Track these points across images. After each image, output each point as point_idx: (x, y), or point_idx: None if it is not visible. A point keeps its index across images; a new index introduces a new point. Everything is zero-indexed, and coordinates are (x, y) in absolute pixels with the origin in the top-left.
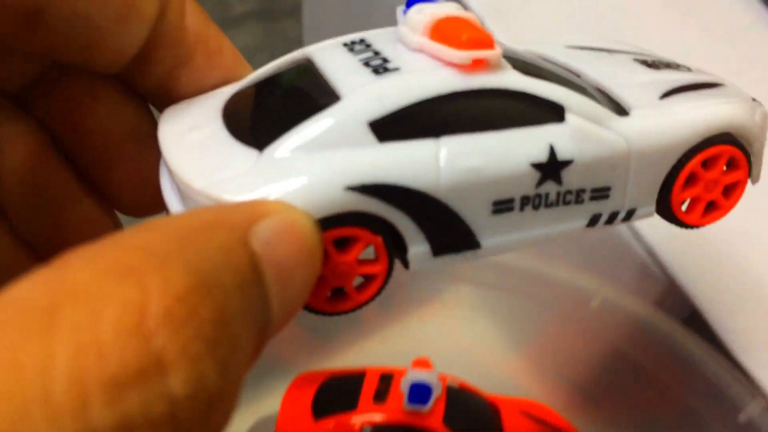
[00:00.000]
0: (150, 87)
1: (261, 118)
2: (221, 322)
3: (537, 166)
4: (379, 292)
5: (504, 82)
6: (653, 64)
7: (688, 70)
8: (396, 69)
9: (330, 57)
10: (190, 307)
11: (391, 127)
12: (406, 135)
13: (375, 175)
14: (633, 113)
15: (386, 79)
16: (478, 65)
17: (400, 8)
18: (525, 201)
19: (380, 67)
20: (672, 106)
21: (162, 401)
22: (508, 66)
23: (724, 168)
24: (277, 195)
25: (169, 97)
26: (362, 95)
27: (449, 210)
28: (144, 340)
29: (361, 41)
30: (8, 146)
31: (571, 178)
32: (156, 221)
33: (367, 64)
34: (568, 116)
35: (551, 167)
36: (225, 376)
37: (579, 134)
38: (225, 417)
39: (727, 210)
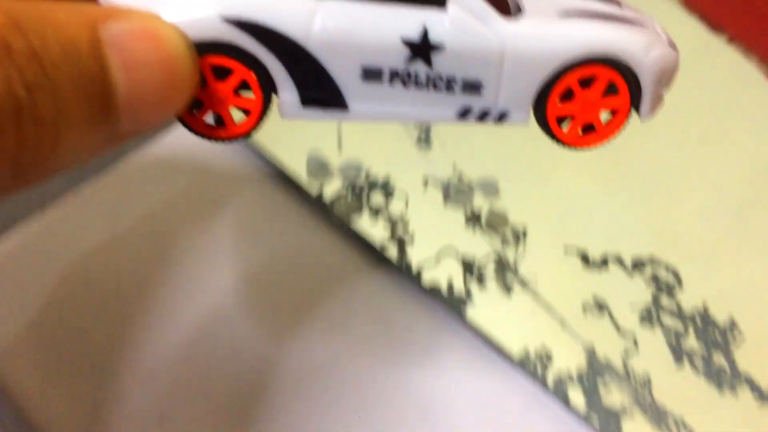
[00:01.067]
0: None
1: None
2: (34, 60)
3: (408, 43)
4: (254, 128)
5: None
6: None
7: (625, 6)
8: None
9: None
10: (2, 38)
11: None
12: None
13: (252, 12)
14: (521, 20)
15: None
16: None
17: None
18: (394, 74)
19: None
20: (564, 23)
21: None
22: None
23: (605, 91)
24: (155, 9)
25: None
26: None
27: (318, 63)
28: None
29: None
30: None
31: (441, 63)
32: None
33: None
34: (450, 5)
35: (421, 47)
36: (35, 103)
37: (455, 23)
38: (35, 147)
39: (604, 136)
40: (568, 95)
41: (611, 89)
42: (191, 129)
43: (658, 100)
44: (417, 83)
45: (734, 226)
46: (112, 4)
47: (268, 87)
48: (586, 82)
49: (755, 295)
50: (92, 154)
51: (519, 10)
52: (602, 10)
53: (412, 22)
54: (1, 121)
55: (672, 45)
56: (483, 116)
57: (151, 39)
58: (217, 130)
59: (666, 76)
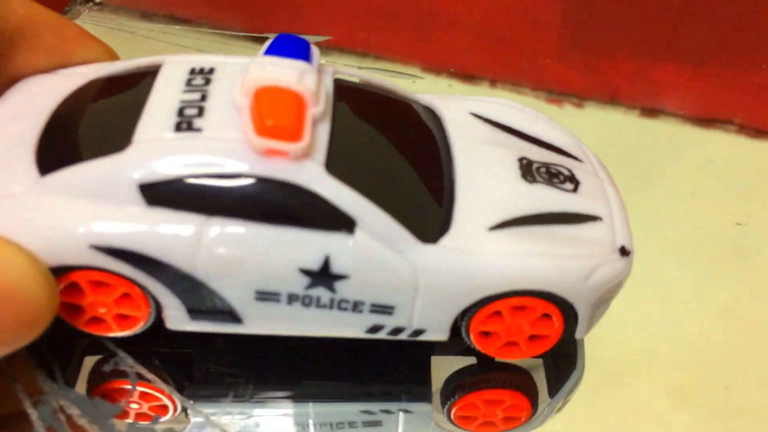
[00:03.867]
0: None
1: (70, 132)
2: None
3: (306, 272)
4: (139, 330)
5: (299, 178)
6: (535, 173)
7: (585, 180)
8: (198, 129)
9: (166, 80)
10: None
11: (164, 193)
12: (177, 205)
13: (126, 241)
14: (441, 242)
15: (179, 141)
16: (274, 154)
17: (264, 47)
18: (293, 297)
19: (186, 121)
20: (491, 244)
21: None
22: (317, 161)
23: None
24: (17, 231)
25: (7, 81)
26: (145, 151)
27: (205, 287)
28: None
29: (210, 70)
30: None
31: (346, 290)
32: None
33: (181, 111)
34: (358, 232)
35: (322, 276)
36: None
37: (362, 253)
38: None
39: (527, 355)
40: (495, 314)
41: (545, 315)
42: (75, 328)
43: (601, 314)
44: (320, 305)
45: None
46: None
47: (154, 300)
48: (519, 307)
49: None
50: None
51: (449, 214)
52: (558, 207)
53: (312, 249)
54: None
55: (623, 249)
56: (396, 332)
57: None
58: (100, 329)
59: (610, 292)
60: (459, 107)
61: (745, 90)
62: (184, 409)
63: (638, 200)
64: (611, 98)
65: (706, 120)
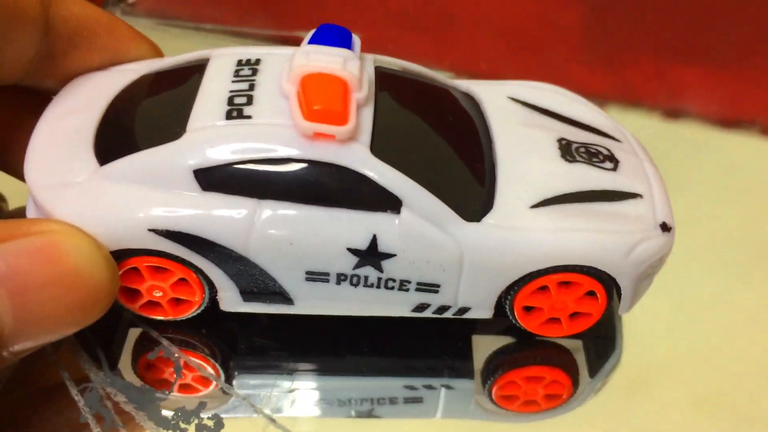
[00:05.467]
0: (51, 81)
1: (125, 124)
2: None
3: (354, 252)
4: (193, 314)
5: (346, 160)
6: (574, 153)
7: (624, 159)
8: (248, 116)
9: (215, 72)
10: None
11: (217, 178)
12: (230, 190)
13: (183, 224)
14: (484, 220)
15: (231, 128)
16: (322, 137)
17: (307, 36)
18: (342, 277)
19: (236, 109)
20: (534, 221)
21: None
22: (363, 143)
23: (584, 294)
24: (81, 217)
25: (64, 78)
26: (199, 140)
27: (258, 268)
28: None
29: (257, 61)
30: None
31: (393, 269)
32: None
33: (231, 100)
34: (404, 211)
35: (370, 255)
36: None
37: (408, 231)
38: None
39: (569, 332)
40: (542, 288)
41: (590, 293)
42: (132, 312)
43: (644, 289)
44: (367, 285)
45: None
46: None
47: (209, 283)
48: (565, 283)
49: None
50: None
51: (491, 194)
52: (597, 185)
53: (359, 229)
54: None
55: (664, 225)
56: (442, 311)
57: (47, 257)
58: (156, 312)
59: (653, 267)
60: (497, 92)
61: None
62: (224, 390)
63: None
64: (633, 100)
65: (728, 121)
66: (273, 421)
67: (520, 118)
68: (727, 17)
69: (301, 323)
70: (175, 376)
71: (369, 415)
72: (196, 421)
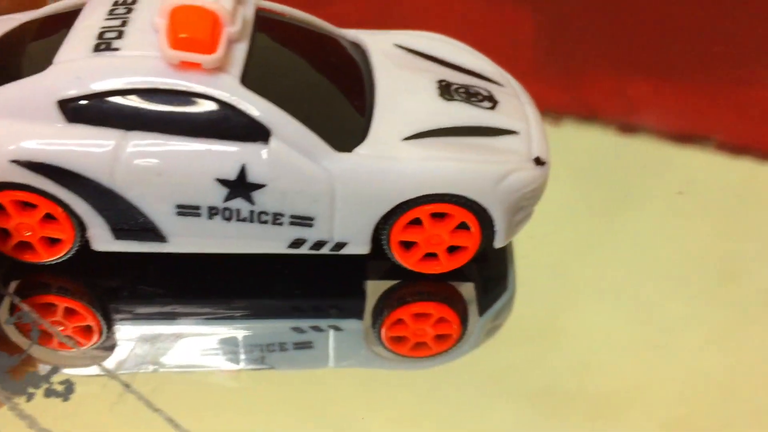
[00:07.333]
0: None
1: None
2: None
3: (224, 182)
4: (67, 253)
5: (213, 91)
6: (453, 93)
7: (504, 100)
8: (116, 49)
9: (89, 12)
10: None
11: (82, 109)
12: (96, 121)
13: (47, 155)
14: (357, 150)
15: (97, 59)
16: (189, 66)
17: None
18: (213, 211)
19: (105, 42)
20: (405, 151)
21: None
22: (232, 74)
23: (457, 227)
24: None
25: None
26: (64, 71)
27: (126, 202)
28: None
29: (133, 1)
30: None
31: (264, 200)
32: None
33: (101, 35)
34: (273, 141)
35: (239, 186)
36: None
37: (277, 161)
38: None
39: (446, 267)
40: (414, 222)
41: (464, 225)
42: (2, 253)
43: (519, 223)
44: (240, 219)
45: None
46: None
47: (78, 219)
48: (438, 215)
49: None
50: None
51: (366, 128)
52: (475, 121)
53: (228, 159)
54: None
55: (538, 159)
56: (318, 246)
57: None
58: (29, 255)
59: (526, 199)
60: (383, 40)
61: (724, 106)
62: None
63: (618, 221)
64: (588, 115)
65: (684, 136)
66: (128, 386)
67: (402, 62)
68: (683, 33)
69: (186, 266)
70: (30, 341)
71: (261, 362)
72: (46, 385)
